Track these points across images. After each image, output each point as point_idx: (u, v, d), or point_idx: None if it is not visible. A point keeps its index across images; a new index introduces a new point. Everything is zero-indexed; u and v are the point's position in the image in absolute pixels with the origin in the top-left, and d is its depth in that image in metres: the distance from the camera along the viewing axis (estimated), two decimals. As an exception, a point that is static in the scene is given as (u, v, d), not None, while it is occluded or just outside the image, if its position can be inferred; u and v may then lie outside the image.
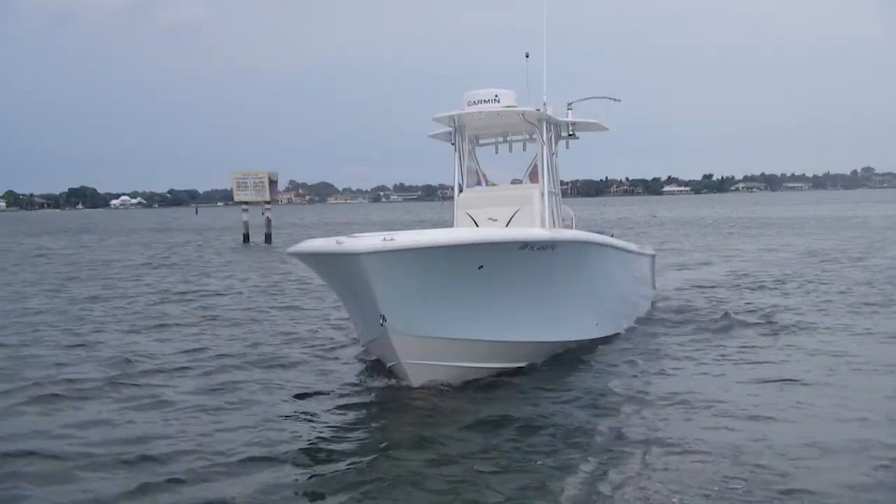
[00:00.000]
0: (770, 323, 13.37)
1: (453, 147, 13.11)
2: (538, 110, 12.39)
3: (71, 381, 9.90)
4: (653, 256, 16.37)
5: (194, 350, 11.89)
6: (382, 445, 7.37)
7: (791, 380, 9.50)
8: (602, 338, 11.55)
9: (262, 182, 40.08)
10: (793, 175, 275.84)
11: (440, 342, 8.84)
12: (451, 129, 13.02)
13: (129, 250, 39.42)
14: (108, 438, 7.69)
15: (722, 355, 10.94)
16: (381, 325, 8.49)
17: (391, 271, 8.17)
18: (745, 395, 8.92)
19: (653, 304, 15.45)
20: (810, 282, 19.20)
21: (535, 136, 12.95)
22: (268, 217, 41.59)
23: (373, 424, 8.17)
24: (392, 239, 8.09)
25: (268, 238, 41.09)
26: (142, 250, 39.18)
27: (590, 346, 11.11)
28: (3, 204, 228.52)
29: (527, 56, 13.20)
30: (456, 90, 12.47)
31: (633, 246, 14.58)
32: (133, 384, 9.77)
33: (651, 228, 49.97)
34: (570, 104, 13.64)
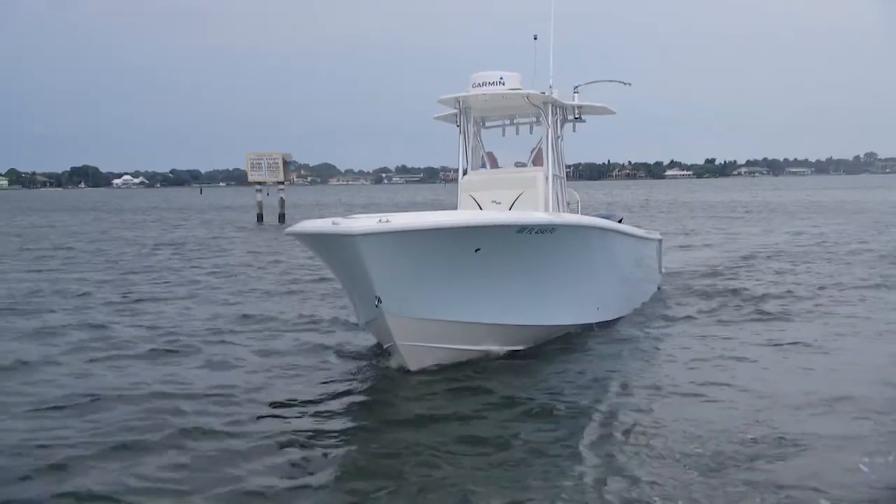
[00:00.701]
0: (774, 303, 13.52)
1: (458, 129, 13.07)
2: (543, 93, 12.33)
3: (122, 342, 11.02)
4: (659, 241, 16.30)
5: (200, 324, 12.04)
6: (373, 426, 7.44)
7: (798, 357, 9.78)
8: (604, 322, 11.58)
9: (277, 163, 40.68)
10: (795, 160, 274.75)
11: (436, 324, 8.83)
12: (456, 110, 12.95)
13: (144, 228, 39.86)
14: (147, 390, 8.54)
15: (727, 336, 11.04)
16: (377, 306, 8.50)
17: (386, 253, 8.18)
18: (749, 370, 9.18)
19: (659, 287, 15.47)
20: (811, 262, 19.49)
21: (541, 118, 12.91)
22: (281, 197, 42.06)
23: (365, 405, 8.20)
24: (388, 220, 8.08)
25: (281, 218, 41.29)
26: (156, 229, 39.59)
27: (591, 330, 11.14)
28: (6, 182, 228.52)
29: (535, 38, 13.09)
30: (462, 76, 12.35)
31: (638, 230, 14.51)
32: (166, 351, 10.50)
33: (644, 210, 49.87)
34: (577, 87, 13.56)
